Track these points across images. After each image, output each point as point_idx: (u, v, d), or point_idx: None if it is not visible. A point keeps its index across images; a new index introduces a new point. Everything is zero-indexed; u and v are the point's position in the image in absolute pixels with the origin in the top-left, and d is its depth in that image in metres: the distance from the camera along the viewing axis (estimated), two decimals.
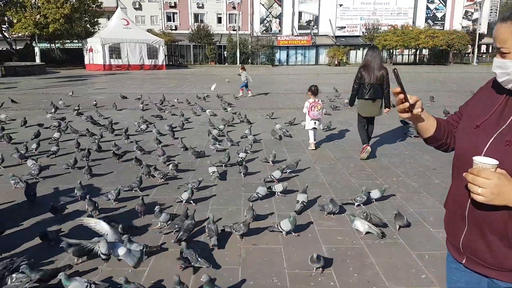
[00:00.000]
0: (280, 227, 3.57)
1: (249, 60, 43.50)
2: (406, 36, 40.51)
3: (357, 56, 45.57)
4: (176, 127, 8.32)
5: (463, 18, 47.18)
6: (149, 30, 39.27)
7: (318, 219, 4.00)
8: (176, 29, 45.84)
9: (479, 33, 42.92)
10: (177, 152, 6.49)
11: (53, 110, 10.23)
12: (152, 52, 33.54)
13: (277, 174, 5.05)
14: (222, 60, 44.94)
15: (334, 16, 45.67)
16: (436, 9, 47.21)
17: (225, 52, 44.36)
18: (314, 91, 6.66)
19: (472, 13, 46.90)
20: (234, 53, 42.50)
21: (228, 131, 7.85)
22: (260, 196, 4.43)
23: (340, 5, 45.43)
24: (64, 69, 32.48)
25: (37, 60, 32.51)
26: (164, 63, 34.74)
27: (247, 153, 6.16)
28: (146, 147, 6.64)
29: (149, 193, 4.72)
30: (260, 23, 46.22)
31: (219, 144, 6.66)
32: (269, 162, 5.89)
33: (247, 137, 7.29)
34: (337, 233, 3.71)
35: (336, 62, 40.55)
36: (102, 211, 4.12)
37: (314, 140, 6.82)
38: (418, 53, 46.32)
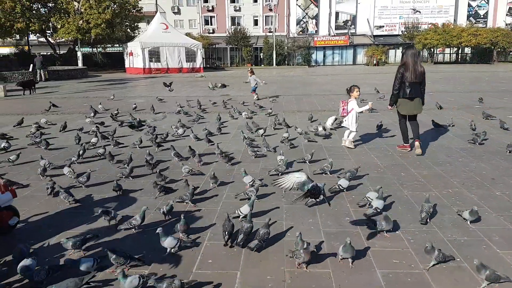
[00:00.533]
0: (341, 253, 3.15)
1: (286, 61, 43.21)
2: (448, 34, 38.70)
3: (396, 55, 44.10)
4: (212, 133, 8.11)
5: (506, 15, 44.55)
6: (187, 34, 39.89)
7: (370, 238, 3.65)
8: (213, 32, 46.37)
9: None
10: (214, 159, 6.27)
11: (92, 114, 10.37)
12: (190, 55, 33.97)
13: (344, 183, 4.71)
14: (258, 61, 44.96)
15: (372, 16, 44.44)
16: (478, 6, 44.93)
17: (261, 54, 44.33)
18: (347, 90, 6.94)
19: None
20: (271, 54, 42.42)
21: (265, 135, 7.59)
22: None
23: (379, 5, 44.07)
24: (105, 73, 33.61)
25: (79, 64, 33.80)
26: (202, 66, 35.10)
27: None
28: (184, 153, 6.50)
29: (199, 206, 4.46)
30: (297, 24, 45.80)
31: (258, 151, 6.41)
32: (306, 162, 5.93)
33: (284, 142, 7.07)
34: (392, 255, 3.34)
35: (375, 62, 39.36)
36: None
37: (350, 138, 6.92)
38: (460, 51, 44.12)
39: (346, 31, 45.01)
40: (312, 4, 45.12)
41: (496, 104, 11.76)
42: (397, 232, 3.73)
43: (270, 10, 44.90)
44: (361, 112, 6.91)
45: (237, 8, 46.14)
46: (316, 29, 45.77)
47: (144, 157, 6.00)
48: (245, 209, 3.88)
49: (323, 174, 5.41)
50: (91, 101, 13.71)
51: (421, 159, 6.14)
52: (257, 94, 14.12)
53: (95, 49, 41.56)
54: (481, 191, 4.78)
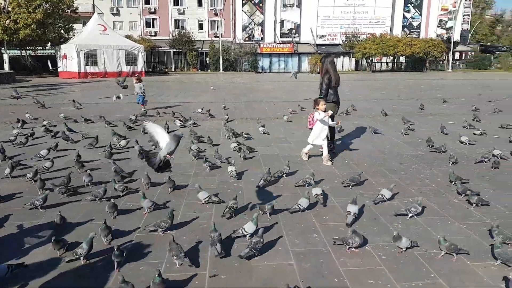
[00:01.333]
0: None
1: (233, 67, 43.08)
2: (385, 44, 40.98)
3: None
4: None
5: (437, 26, 48.34)
6: (127, 36, 38.23)
7: (340, 256, 3.40)
8: (156, 35, 44.88)
9: (453, 41, 43.95)
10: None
11: (19, 124, 9.12)
12: (130, 59, 32.49)
13: (387, 193, 4.65)
14: (204, 67, 44.32)
15: (315, 25, 45.86)
16: (412, 17, 48.29)
17: (207, 59, 43.80)
18: (314, 103, 6.50)
19: (446, 22, 48.16)
20: (217, 59, 42.04)
21: (215, 144, 7.18)
22: (302, 208, 4.25)
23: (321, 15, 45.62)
24: (36, 77, 30.99)
25: (6, 68, 30.88)
26: (143, 70, 33.73)
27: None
28: (128, 168, 5.89)
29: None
30: (243, 30, 45.89)
31: (211, 163, 5.96)
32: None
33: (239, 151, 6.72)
34: (367, 274, 3.12)
35: (318, 70, 40.53)
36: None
37: (324, 154, 6.43)
38: (396, 60, 46.96)
39: (290, 39, 45.97)
40: (257, 11, 45.52)
41: (435, 110, 12.39)
42: (366, 247, 3.53)
43: (216, 15, 44.56)
44: (327, 123, 6.25)
45: (181, 11, 45.17)
46: (262, 36, 46.21)
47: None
48: (249, 227, 3.59)
49: (306, 186, 5.08)
50: (20, 108, 12.35)
51: (376, 167, 6.11)
52: (145, 107, 11.90)
53: (24, 51, 38.28)
54: (439, 198, 4.78)
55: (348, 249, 3.45)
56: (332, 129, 6.78)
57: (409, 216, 4.17)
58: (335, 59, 7.04)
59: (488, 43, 53.01)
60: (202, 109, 11.70)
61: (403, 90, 20.11)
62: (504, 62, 45.88)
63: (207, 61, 44.02)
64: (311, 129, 6.44)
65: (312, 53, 44.22)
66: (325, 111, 6.15)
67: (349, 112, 11.48)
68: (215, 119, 10.62)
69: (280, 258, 3.37)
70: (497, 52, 48.99)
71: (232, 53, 42.75)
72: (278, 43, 45.81)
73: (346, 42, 44.48)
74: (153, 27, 45.77)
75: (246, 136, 8.13)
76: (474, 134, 8.44)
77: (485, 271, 3.16)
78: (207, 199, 4.46)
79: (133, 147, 6.92)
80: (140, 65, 33.19)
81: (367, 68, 44.65)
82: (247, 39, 45.58)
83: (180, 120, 9.77)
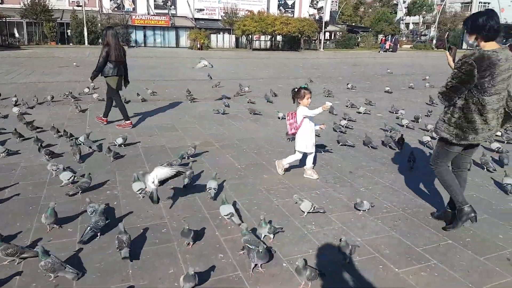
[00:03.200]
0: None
1: (100, 40, 38.69)
2: (263, 22, 41.61)
3: (218, 40, 45.10)
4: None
5: (309, 6, 51.16)
6: None
7: (256, 283, 2.70)
8: (2, 2, 37.19)
9: (324, 21, 47.16)
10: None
11: None
12: None
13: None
14: (65, 40, 38.74)
15: None
16: None
17: (69, 31, 38.37)
18: (293, 94, 4.70)
19: (317, 1, 51.28)
20: (81, 32, 37.06)
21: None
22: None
23: None
24: None
25: None
26: None
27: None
28: None
29: None
30: (111, 0, 41.29)
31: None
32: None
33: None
34: None
35: (198, 46, 39.22)
36: None
37: (310, 164, 4.87)
38: (273, 39, 48.37)
39: (166, 11, 43.23)
40: None
41: (318, 90, 12.65)
42: (283, 265, 2.91)
43: None
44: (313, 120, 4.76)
45: None
46: (133, 6, 42.35)
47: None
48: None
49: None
50: None
51: (276, 155, 5.59)
52: None
53: None
54: (345, 188, 4.46)
55: (252, 270, 2.79)
56: None
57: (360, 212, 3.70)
58: (117, 32, 6.92)
59: (353, 24, 58.39)
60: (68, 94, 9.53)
61: (284, 69, 20.42)
62: (367, 42, 51.23)
63: (69, 33, 38.59)
64: (293, 134, 4.76)
65: (191, 27, 42.45)
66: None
67: (242, 93, 10.82)
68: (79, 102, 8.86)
69: None
70: (361, 32, 54.31)
71: (99, 24, 38.21)
72: (152, 15, 42.66)
73: (225, 18, 43.84)
74: None
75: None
76: (358, 112, 8.70)
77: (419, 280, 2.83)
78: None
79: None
80: None
81: (248, 46, 44.98)
82: (116, 9, 41.30)
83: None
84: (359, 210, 3.76)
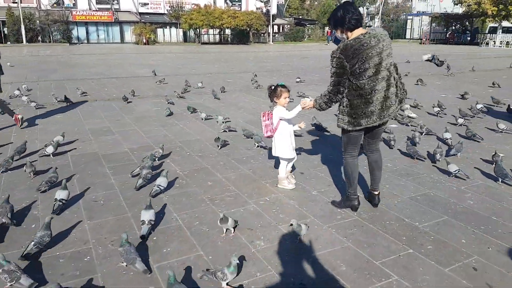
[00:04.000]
0: None
1: (40, 38, 36.14)
2: (211, 15, 40.75)
3: (164, 34, 43.67)
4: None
5: None
6: None
7: None
8: None
9: (272, 15, 47.10)
10: None
11: None
12: None
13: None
14: (2, 38, 35.85)
15: None
16: None
17: (6, 29, 35.56)
18: (270, 92, 4.09)
19: None
20: (18, 29, 34.38)
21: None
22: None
23: None
24: None
25: None
26: None
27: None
28: None
29: None
30: None
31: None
32: None
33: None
34: None
35: (144, 41, 37.64)
36: None
37: (288, 169, 4.31)
38: (222, 33, 47.58)
39: (109, 6, 41.04)
40: None
41: (267, 82, 12.30)
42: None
43: None
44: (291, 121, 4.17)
45: None
46: (74, 2, 39.81)
47: None
48: None
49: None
50: None
51: (223, 158, 5.15)
52: None
53: None
54: (297, 192, 4.10)
55: None
56: None
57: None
58: None
59: (300, 16, 58.82)
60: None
61: (234, 64, 19.88)
62: (314, 34, 51.85)
63: (5, 32, 35.73)
64: (269, 137, 4.21)
65: (136, 22, 40.64)
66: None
67: (187, 90, 10.22)
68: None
69: None
70: (308, 25, 54.83)
71: (37, 21, 35.64)
72: (94, 10, 40.35)
73: (171, 12, 42.42)
74: None
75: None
76: None
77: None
78: None
79: None
80: None
81: (196, 40, 43.89)
82: (55, 5, 38.65)
83: None
84: (299, 235, 3.07)
